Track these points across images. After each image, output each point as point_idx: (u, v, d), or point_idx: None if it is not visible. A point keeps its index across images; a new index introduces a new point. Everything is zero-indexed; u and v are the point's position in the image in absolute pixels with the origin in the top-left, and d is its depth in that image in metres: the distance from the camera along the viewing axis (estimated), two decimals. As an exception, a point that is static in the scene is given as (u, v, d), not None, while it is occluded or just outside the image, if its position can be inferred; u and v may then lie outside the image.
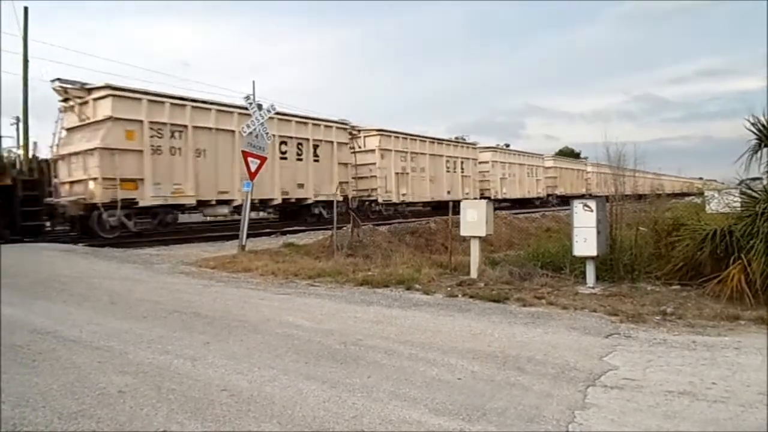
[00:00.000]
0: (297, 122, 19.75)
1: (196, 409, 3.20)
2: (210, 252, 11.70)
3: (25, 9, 22.04)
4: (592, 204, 7.09)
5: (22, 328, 5.06)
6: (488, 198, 29.24)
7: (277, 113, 17.32)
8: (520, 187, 35.97)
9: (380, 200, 23.71)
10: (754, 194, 6.76)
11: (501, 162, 34.06)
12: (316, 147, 20.35)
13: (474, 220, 8.08)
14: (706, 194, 8.62)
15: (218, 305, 6.26)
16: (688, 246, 6.72)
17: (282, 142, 18.91)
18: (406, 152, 25.45)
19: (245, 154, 11.78)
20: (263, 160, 12.07)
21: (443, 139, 28.89)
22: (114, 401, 3.31)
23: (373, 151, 23.99)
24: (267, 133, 12.16)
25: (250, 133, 11.72)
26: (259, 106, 12.04)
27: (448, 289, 7.11)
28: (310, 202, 20.26)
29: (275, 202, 19.04)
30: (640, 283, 7.07)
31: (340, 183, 20.52)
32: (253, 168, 11.77)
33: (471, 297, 6.60)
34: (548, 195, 39.47)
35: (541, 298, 6.35)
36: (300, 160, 19.77)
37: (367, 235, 13.04)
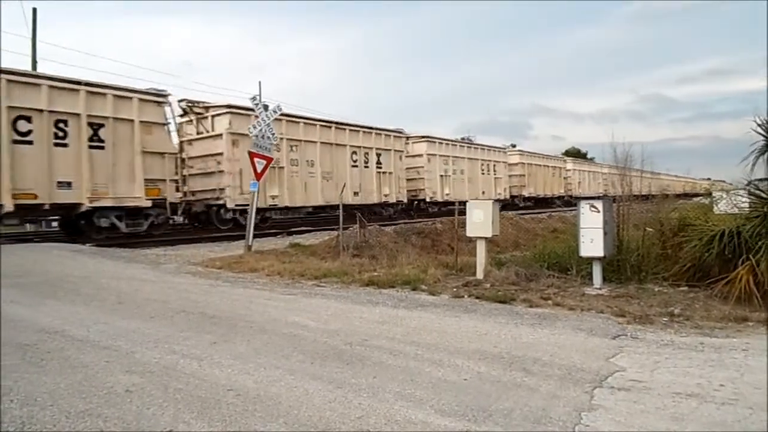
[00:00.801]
0: (52, 87, 13.05)
1: (203, 408, 3.21)
2: (216, 252, 11.76)
3: (34, 10, 22.26)
4: (599, 205, 7.06)
5: (30, 327, 5.09)
6: (422, 200, 25.98)
7: (4, 71, 12.42)
8: (472, 186, 29.53)
9: (229, 204, 16.93)
10: (762, 195, 6.71)
11: (442, 156, 27.45)
12: (97, 127, 13.80)
13: (480, 220, 8.07)
14: (714, 195, 8.56)
15: (225, 305, 6.28)
16: (695, 247, 6.68)
17: (19, 118, 12.49)
18: (281, 139, 18.54)
19: (252, 155, 11.83)
20: (269, 160, 12.13)
21: (345, 124, 21.78)
22: (121, 400, 3.33)
23: (220, 136, 16.90)
24: (273, 134, 12.20)
25: (256, 134, 11.79)
26: (265, 107, 12.09)
27: (454, 289, 7.10)
28: (85, 208, 13.66)
29: (5, 211, 12.33)
30: (648, 284, 7.03)
31: (149, 181, 14.86)
32: (259, 168, 11.83)
33: (477, 298, 6.59)
34: (513, 196, 34.25)
35: (548, 299, 6.33)
36: (62, 145, 13.21)
37: (373, 236, 13.04)
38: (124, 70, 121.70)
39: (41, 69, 20.99)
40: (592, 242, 6.97)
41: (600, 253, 6.95)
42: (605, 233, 6.94)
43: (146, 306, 6.17)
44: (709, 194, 10.59)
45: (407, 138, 26.27)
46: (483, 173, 31.24)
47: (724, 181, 14.41)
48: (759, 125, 6.81)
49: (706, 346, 4.49)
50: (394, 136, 24.44)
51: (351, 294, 7.03)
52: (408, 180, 25.70)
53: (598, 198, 7.46)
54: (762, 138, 6.83)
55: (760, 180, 6.92)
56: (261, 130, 11.79)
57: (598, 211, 7.00)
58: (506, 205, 31.48)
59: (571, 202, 39.16)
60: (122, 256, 10.95)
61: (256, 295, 6.97)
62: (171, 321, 5.46)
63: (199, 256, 10.99)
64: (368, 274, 8.19)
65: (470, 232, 8.26)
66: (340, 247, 11.33)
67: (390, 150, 23.90)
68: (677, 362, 4.08)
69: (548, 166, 39.58)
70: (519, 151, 37.28)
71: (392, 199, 23.80)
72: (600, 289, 6.87)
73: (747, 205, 6.93)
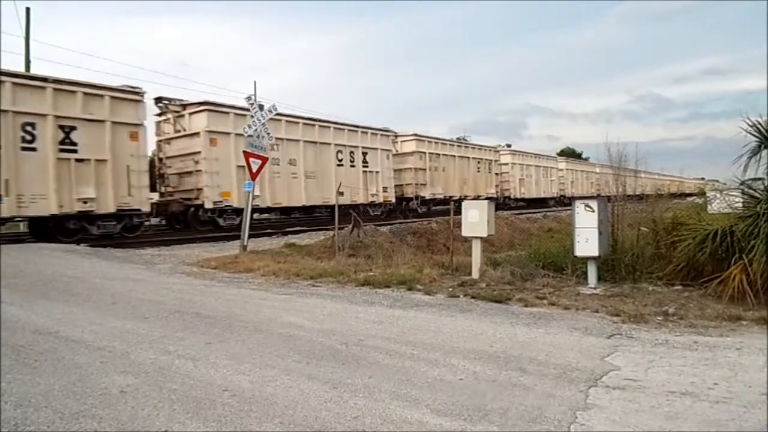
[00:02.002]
0: None
1: (198, 409, 3.21)
2: (212, 252, 11.72)
3: (27, 9, 22.07)
4: (594, 204, 7.10)
5: (24, 328, 5.06)
6: (200, 206, 16.97)
7: None
8: (320, 185, 20.32)
9: None
10: (755, 194, 6.75)
11: (276, 138, 16.62)
12: None
13: (475, 220, 8.09)
14: (707, 194, 8.61)
15: (220, 305, 6.26)
16: (689, 246, 6.72)
17: None
18: None
19: (247, 155, 11.81)
20: (265, 160, 12.10)
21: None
22: (116, 401, 3.31)
23: None
24: (269, 134, 12.18)
25: (252, 134, 11.77)
26: (261, 107, 12.07)
27: (450, 289, 7.10)
28: None
29: None
30: (642, 284, 7.06)
31: None
32: (254, 168, 11.81)
33: (473, 297, 6.60)
34: (404, 199, 25.61)
35: (543, 299, 6.34)
36: None
37: (368, 236, 13.03)
38: (121, 69, 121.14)
39: (35, 69, 20.77)
40: (587, 242, 7.00)
41: (595, 252, 6.98)
42: (600, 233, 6.96)
43: (141, 306, 6.14)
44: (702, 194, 10.65)
45: (183, 106, 17.03)
46: (342, 165, 21.56)
47: (717, 181, 14.51)
48: (750, 126, 6.86)
49: (700, 345, 4.51)
50: (111, 97, 14.01)
51: (347, 294, 7.02)
52: (179, 174, 17.23)
53: (593, 197, 7.48)
54: (754, 138, 6.87)
55: (753, 180, 6.96)
56: (256, 129, 11.78)
57: (593, 211, 7.03)
58: (390, 211, 23.75)
59: (509, 204, 32.90)
60: (116, 257, 10.90)
61: (252, 295, 6.95)
62: (166, 321, 5.44)
63: (194, 257, 10.96)
64: (364, 273, 8.18)
65: (466, 232, 8.27)
66: (336, 247, 11.31)
67: (101, 122, 13.84)
68: (671, 361, 4.10)
69: (468, 158, 29.91)
70: (415, 136, 26.76)
71: (102, 208, 13.92)
72: (595, 288, 6.89)
73: (740, 204, 6.97)
